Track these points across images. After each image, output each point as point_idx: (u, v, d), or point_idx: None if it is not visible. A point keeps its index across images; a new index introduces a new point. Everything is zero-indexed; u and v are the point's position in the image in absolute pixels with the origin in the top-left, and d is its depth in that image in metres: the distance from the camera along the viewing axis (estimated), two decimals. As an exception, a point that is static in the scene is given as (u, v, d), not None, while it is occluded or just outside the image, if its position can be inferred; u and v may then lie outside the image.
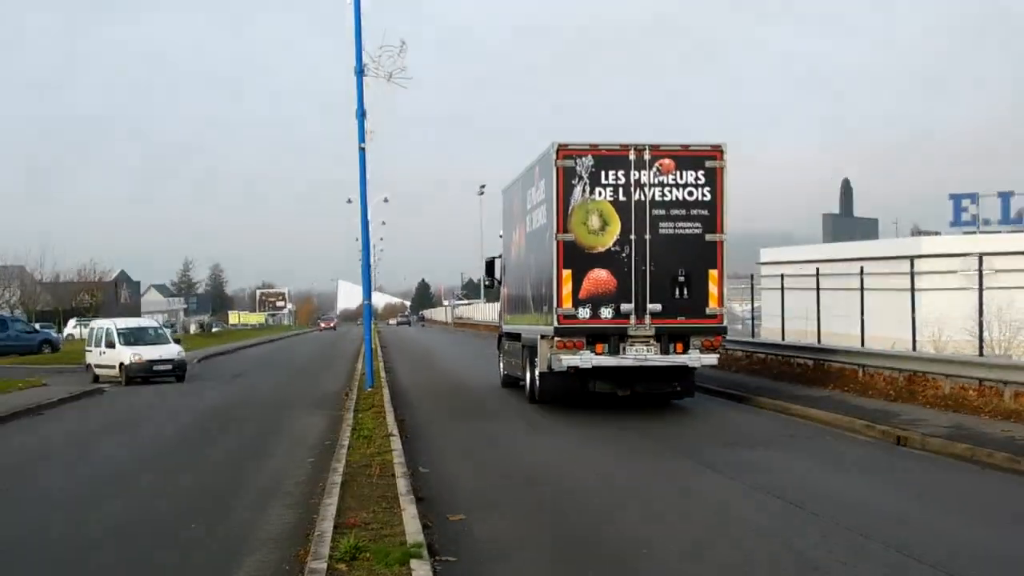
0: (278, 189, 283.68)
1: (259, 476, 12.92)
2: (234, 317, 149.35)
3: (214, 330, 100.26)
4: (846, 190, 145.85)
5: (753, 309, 32.77)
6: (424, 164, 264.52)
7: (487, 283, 28.01)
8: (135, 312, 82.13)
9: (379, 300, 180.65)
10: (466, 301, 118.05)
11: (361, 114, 22.91)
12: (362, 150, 23.11)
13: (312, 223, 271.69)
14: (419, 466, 12.81)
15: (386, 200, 67.14)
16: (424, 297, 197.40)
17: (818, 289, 27.41)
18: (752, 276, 32.93)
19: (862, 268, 25.62)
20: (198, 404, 24.01)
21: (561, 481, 11.92)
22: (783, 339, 28.20)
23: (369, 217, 25.02)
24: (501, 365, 25.53)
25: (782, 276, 29.78)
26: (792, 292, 29.86)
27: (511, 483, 11.89)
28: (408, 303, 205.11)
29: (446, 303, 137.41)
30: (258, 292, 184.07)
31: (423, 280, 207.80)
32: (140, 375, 30.86)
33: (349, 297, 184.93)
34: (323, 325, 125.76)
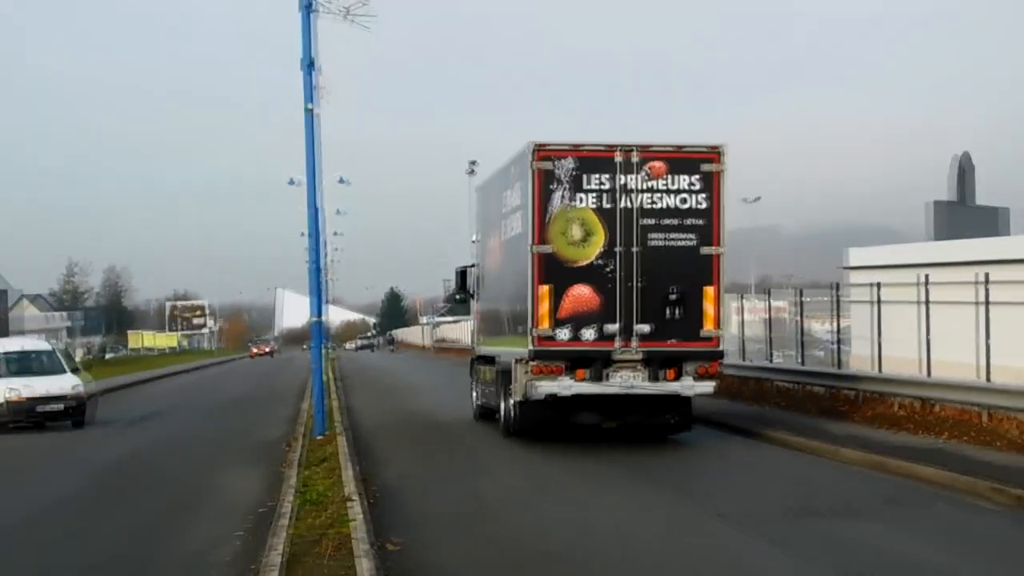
0: (199, 174, 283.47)
1: (170, 555, 12.82)
2: (137, 339, 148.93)
3: (108, 356, 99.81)
4: (964, 170, 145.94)
5: (838, 330, 32.74)
6: (395, 136, 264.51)
7: (458, 297, 30.14)
8: (2, 331, 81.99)
9: (334, 316, 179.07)
10: (451, 318, 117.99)
11: (308, 64, 22.61)
12: (310, 113, 22.83)
13: (245, 216, 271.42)
14: (387, 541, 12.75)
15: (343, 181, 67.07)
16: (394, 312, 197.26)
17: (927, 302, 27.36)
18: (836, 285, 32.83)
19: (987, 275, 25.51)
20: (92, 458, 23.91)
21: (573, 560, 11.84)
22: (879, 369, 28.15)
23: (320, 204, 24.72)
24: (474, 395, 28.13)
25: (878, 285, 29.66)
26: (891, 306, 29.79)
27: (511, 563, 11.84)
28: (373, 320, 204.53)
29: (423, 320, 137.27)
30: (169, 305, 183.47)
31: (393, 289, 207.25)
32: (18, 419, 30.33)
33: (293, 312, 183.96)
34: (256, 350, 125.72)
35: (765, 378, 32.17)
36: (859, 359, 31.80)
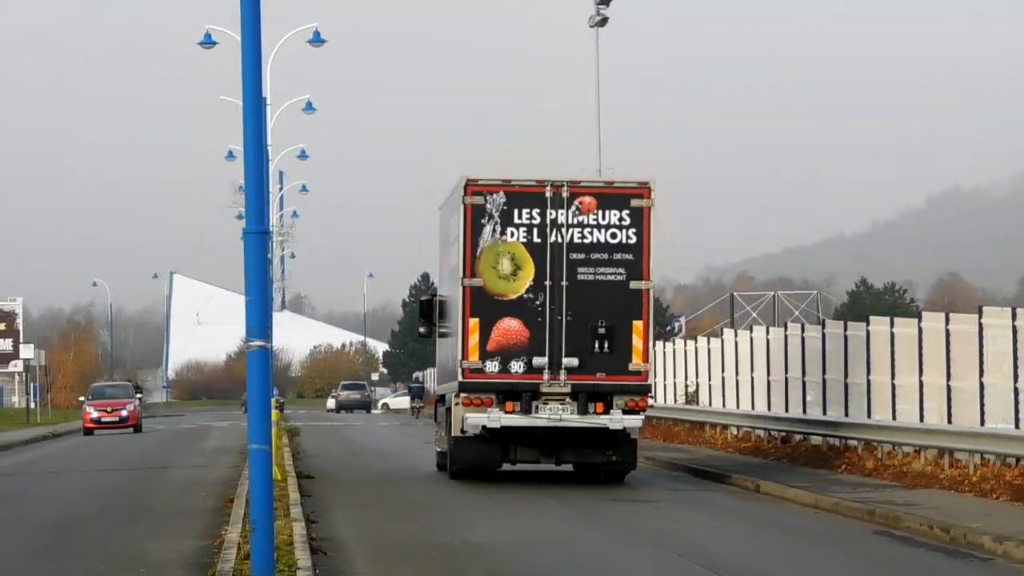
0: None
1: None
2: None
3: None
4: None
5: None
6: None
7: (422, 331, 27.22)
8: None
9: (296, 336, 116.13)
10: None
11: None
12: None
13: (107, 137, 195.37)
14: None
15: (318, 40, 42.38)
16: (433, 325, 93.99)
17: None
18: None
19: None
20: None
21: None
22: None
23: (267, 92, 19.48)
24: (436, 441, 28.43)
25: None
26: None
27: None
28: (381, 350, 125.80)
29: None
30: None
31: (425, 278, 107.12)
32: None
33: (196, 325, 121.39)
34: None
35: None
36: None
